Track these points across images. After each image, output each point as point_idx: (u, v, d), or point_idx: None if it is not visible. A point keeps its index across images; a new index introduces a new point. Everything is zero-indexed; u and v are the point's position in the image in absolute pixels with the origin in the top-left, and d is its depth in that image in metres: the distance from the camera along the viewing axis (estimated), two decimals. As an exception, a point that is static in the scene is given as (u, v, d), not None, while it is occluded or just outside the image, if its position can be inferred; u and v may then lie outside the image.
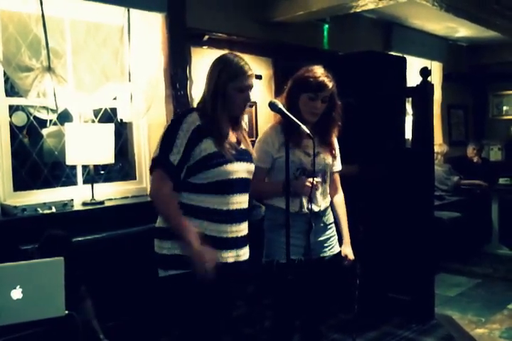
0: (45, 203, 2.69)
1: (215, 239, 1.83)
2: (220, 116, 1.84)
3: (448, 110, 6.16)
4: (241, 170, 1.87)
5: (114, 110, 3.18)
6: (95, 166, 3.02)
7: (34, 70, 2.62)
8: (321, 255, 2.19)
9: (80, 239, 2.62)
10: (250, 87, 1.88)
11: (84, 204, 2.92)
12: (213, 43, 3.47)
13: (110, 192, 3.15)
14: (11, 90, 2.78)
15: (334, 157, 2.25)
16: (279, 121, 2.14)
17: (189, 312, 1.85)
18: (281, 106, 1.96)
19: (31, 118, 2.95)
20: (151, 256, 1.88)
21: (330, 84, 2.10)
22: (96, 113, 3.14)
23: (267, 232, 2.19)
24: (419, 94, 3.41)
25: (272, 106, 1.96)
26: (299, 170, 2.12)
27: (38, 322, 1.93)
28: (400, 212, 3.38)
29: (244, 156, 1.91)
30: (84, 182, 3.06)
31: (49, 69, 2.66)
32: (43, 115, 3.00)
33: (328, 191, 2.25)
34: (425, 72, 3.33)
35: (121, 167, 3.42)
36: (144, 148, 3.34)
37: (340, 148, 2.30)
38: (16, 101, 2.80)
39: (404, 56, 4.18)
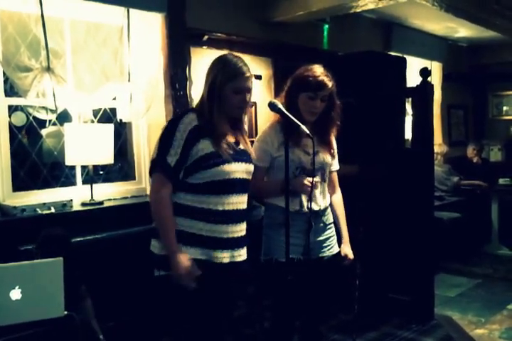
0: (44, 203, 2.68)
1: (210, 239, 1.83)
2: (217, 116, 1.84)
3: (448, 110, 6.16)
4: (239, 170, 1.87)
5: (113, 110, 3.18)
6: (94, 166, 3.02)
7: (33, 70, 2.62)
8: (320, 255, 2.19)
9: (79, 239, 2.61)
10: (247, 88, 1.87)
11: (84, 204, 2.91)
12: (213, 43, 3.47)
13: (109, 193, 3.15)
14: (11, 90, 2.77)
15: (333, 156, 2.25)
16: (278, 120, 2.14)
17: (183, 312, 1.86)
18: (280, 106, 1.95)
19: (30, 118, 2.94)
20: (150, 257, 1.88)
21: (329, 84, 2.10)
22: (95, 113, 3.13)
23: (266, 230, 2.19)
24: (419, 94, 3.40)
25: (272, 106, 1.96)
26: (299, 169, 2.12)
27: (37, 322, 1.93)
28: (399, 213, 3.38)
29: (242, 157, 1.91)
30: (84, 182, 3.06)
31: (48, 69, 2.66)
32: (42, 115, 3.00)
33: (327, 190, 2.25)
34: (425, 72, 3.33)
35: (121, 167, 3.41)
36: (144, 148, 3.34)
37: (340, 148, 2.30)
38: (15, 101, 2.79)
39: (404, 56, 4.18)
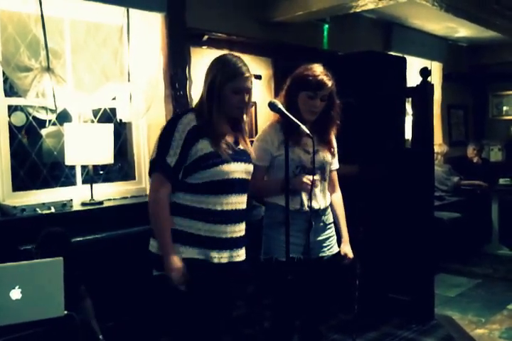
0: (44, 203, 2.68)
1: (209, 239, 1.83)
2: (216, 116, 1.83)
3: (448, 110, 6.15)
4: (238, 170, 1.87)
5: (113, 110, 3.18)
6: (94, 166, 3.02)
7: (33, 70, 2.62)
8: (320, 255, 2.19)
9: (79, 239, 2.61)
10: (246, 89, 1.86)
11: (84, 204, 2.91)
12: (213, 43, 3.47)
13: (109, 193, 3.15)
14: (10, 90, 2.77)
15: (333, 155, 2.25)
16: (277, 120, 2.14)
17: (182, 312, 1.86)
18: (280, 106, 1.95)
19: (30, 118, 2.94)
20: (148, 256, 1.89)
21: (329, 83, 2.10)
22: (95, 113, 3.13)
23: (266, 229, 2.18)
24: (419, 94, 3.40)
25: (272, 106, 1.96)
26: (299, 167, 2.12)
27: (37, 322, 1.93)
28: (399, 213, 3.38)
29: (242, 157, 1.91)
30: (84, 182, 3.06)
31: (48, 69, 2.66)
32: (42, 115, 3.00)
33: (327, 189, 2.25)
34: (425, 72, 3.33)
35: (121, 167, 3.41)
36: (144, 148, 3.34)
37: (340, 148, 2.30)
38: (15, 101, 2.79)
39: (404, 56, 4.17)
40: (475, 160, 5.70)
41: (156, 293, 1.88)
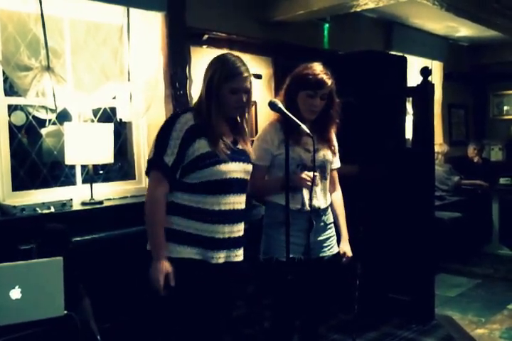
0: (44, 203, 2.68)
1: (207, 239, 1.82)
2: (214, 115, 1.83)
3: (448, 110, 6.15)
4: (237, 170, 1.86)
5: (113, 110, 3.17)
6: (94, 166, 3.01)
7: (33, 70, 2.61)
8: (321, 255, 2.19)
9: (78, 238, 2.61)
10: (244, 89, 1.85)
11: (83, 204, 2.91)
12: (213, 43, 3.46)
13: (109, 192, 3.14)
14: (10, 89, 2.77)
15: (334, 153, 2.25)
16: (277, 119, 2.13)
17: (181, 313, 1.86)
18: (281, 105, 1.95)
19: (30, 117, 2.94)
20: (147, 256, 1.88)
21: (329, 82, 2.10)
22: (95, 112, 3.13)
23: (266, 229, 2.18)
24: (419, 93, 3.40)
25: (272, 105, 1.95)
26: (299, 166, 2.11)
27: (37, 322, 1.93)
28: (400, 212, 3.37)
29: (240, 156, 1.90)
30: (83, 182, 3.05)
31: (48, 68, 2.65)
32: (42, 114, 2.99)
33: (328, 188, 2.25)
34: (426, 72, 3.32)
35: (121, 167, 3.41)
36: (144, 147, 3.33)
37: (340, 148, 2.30)
38: (14, 100, 2.79)
39: (405, 55, 4.17)
40: (475, 159, 5.70)
41: (155, 293, 1.87)
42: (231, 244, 1.88)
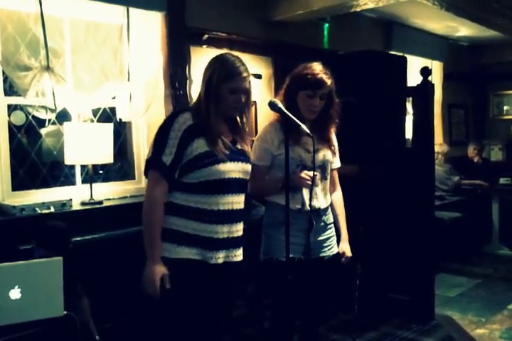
0: (43, 203, 2.67)
1: (205, 240, 1.82)
2: (213, 115, 1.82)
3: (448, 110, 6.15)
4: (235, 170, 1.86)
5: (113, 109, 3.17)
6: (94, 166, 3.01)
7: (33, 70, 2.61)
8: (321, 255, 2.18)
9: (78, 238, 2.60)
10: (243, 89, 1.84)
11: (83, 204, 2.90)
12: (213, 42, 3.46)
13: (109, 192, 3.14)
14: (10, 89, 2.77)
15: (334, 153, 2.25)
16: (277, 119, 2.13)
17: (180, 313, 1.85)
18: (281, 105, 1.95)
19: (30, 117, 2.94)
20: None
21: (328, 82, 2.09)
22: (95, 112, 3.13)
23: (266, 229, 2.18)
24: (419, 93, 3.40)
25: (272, 105, 1.95)
26: (300, 166, 2.11)
27: (37, 322, 1.92)
28: (400, 212, 3.37)
29: (239, 156, 1.89)
30: (83, 181, 3.05)
31: (48, 68, 2.65)
32: (41, 114, 2.99)
33: (328, 188, 2.24)
34: (426, 72, 3.32)
35: (120, 167, 3.41)
36: (143, 147, 3.33)
37: (340, 148, 2.30)
38: (14, 100, 2.78)
39: (405, 55, 4.17)
40: (475, 159, 5.70)
41: (149, 295, 1.87)
42: (230, 244, 1.88)
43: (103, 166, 3.22)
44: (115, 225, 2.82)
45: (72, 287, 2.17)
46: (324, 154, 2.19)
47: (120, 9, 3.04)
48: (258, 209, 2.80)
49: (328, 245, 2.22)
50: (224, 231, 1.85)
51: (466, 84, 6.44)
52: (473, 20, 4.39)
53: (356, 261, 2.36)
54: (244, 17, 3.71)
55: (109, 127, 2.93)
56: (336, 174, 2.33)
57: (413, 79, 4.20)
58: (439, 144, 5.45)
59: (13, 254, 2.34)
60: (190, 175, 1.81)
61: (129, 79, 3.08)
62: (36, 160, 2.98)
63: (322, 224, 2.19)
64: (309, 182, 2.03)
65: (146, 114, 3.14)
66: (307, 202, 2.10)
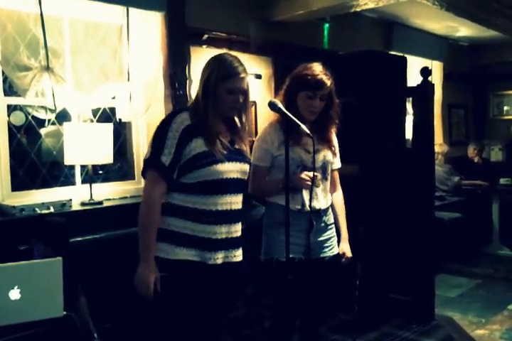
0: (43, 203, 2.67)
1: (203, 240, 1.81)
2: (211, 115, 1.81)
3: (448, 110, 6.14)
4: (233, 170, 1.85)
5: (112, 110, 3.17)
6: (94, 166, 3.00)
7: (32, 70, 2.61)
8: (321, 255, 2.18)
9: (78, 239, 2.60)
10: (241, 89, 1.83)
11: (83, 204, 2.90)
12: (213, 42, 3.46)
13: (109, 192, 3.14)
14: (10, 89, 2.76)
15: (334, 154, 2.24)
16: (277, 120, 2.13)
17: (179, 313, 1.85)
18: (280, 105, 1.95)
19: (29, 117, 2.93)
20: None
21: (328, 82, 2.09)
22: (94, 112, 3.12)
23: (267, 229, 2.18)
24: (419, 93, 3.40)
25: (272, 105, 1.95)
26: (300, 167, 2.11)
27: (36, 322, 1.92)
28: (400, 213, 3.37)
29: (237, 156, 1.88)
30: (83, 182, 3.05)
31: (47, 68, 2.65)
32: (41, 115, 2.99)
33: (328, 189, 2.24)
34: (426, 72, 3.32)
35: (120, 167, 3.41)
36: (143, 147, 3.33)
37: (340, 148, 2.29)
38: (14, 100, 2.78)
39: (405, 55, 4.17)
40: (475, 160, 5.69)
41: (154, 294, 1.87)
42: (229, 244, 1.87)
43: (103, 166, 3.22)
44: (115, 225, 2.81)
45: (71, 287, 2.17)
46: (324, 155, 2.18)
47: (120, 9, 3.04)
48: (258, 210, 2.80)
49: (329, 245, 2.21)
50: (222, 231, 1.84)
51: (466, 84, 6.44)
52: (473, 20, 4.39)
53: (356, 261, 2.35)
54: (244, 17, 3.70)
55: (109, 127, 2.93)
56: (336, 174, 2.33)
57: (413, 79, 4.20)
58: (439, 144, 5.44)
59: (13, 254, 2.34)
60: (189, 175, 1.80)
61: (128, 79, 3.07)
62: (36, 161, 2.97)
63: (322, 224, 2.18)
64: (309, 183, 2.02)
65: (146, 114, 3.14)
66: (307, 202, 2.09)
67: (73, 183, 3.05)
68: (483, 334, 3.19)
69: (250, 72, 3.50)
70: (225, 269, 1.86)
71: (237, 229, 1.91)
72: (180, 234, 1.81)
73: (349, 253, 2.27)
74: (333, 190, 2.31)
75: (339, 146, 2.29)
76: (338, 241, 2.27)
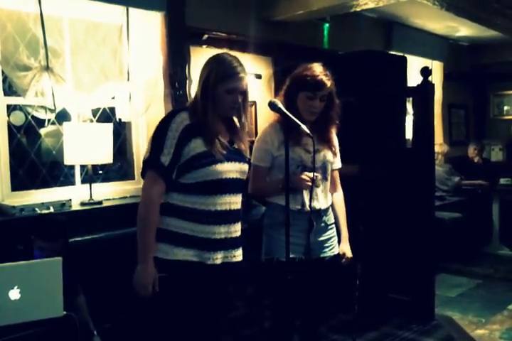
0: (43, 203, 2.67)
1: (203, 241, 1.80)
2: (210, 115, 1.81)
3: (449, 110, 6.14)
4: (233, 170, 1.85)
5: (112, 109, 3.17)
6: (94, 166, 3.00)
7: (32, 69, 2.61)
8: (321, 255, 2.18)
9: (78, 239, 2.60)
10: (240, 89, 1.83)
11: (83, 204, 2.90)
12: (213, 42, 3.46)
13: (108, 192, 3.14)
14: (9, 89, 2.76)
15: (334, 154, 2.24)
16: (277, 120, 2.13)
17: (178, 314, 1.85)
18: (281, 105, 1.94)
19: (29, 117, 2.93)
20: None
21: (328, 83, 2.09)
22: (94, 112, 3.12)
23: (267, 229, 2.18)
24: (419, 93, 3.40)
25: (272, 105, 1.94)
26: (300, 167, 2.11)
27: (36, 322, 1.92)
28: (400, 212, 3.37)
29: (236, 156, 1.88)
30: (83, 182, 3.05)
31: (47, 68, 2.65)
32: (41, 114, 2.99)
33: (328, 189, 2.24)
34: (426, 72, 3.32)
35: (120, 167, 3.40)
36: (143, 147, 3.32)
37: (340, 148, 2.29)
38: (14, 100, 2.78)
39: (405, 55, 4.16)
40: (476, 160, 5.69)
41: (154, 294, 1.87)
42: (228, 244, 1.86)
43: (103, 166, 3.22)
44: (115, 225, 2.81)
45: (71, 287, 2.17)
46: (324, 155, 2.18)
47: (120, 9, 3.04)
48: (258, 209, 2.80)
49: (329, 245, 2.21)
50: (222, 231, 1.84)
51: (466, 84, 6.44)
52: (474, 20, 4.39)
53: (356, 261, 2.35)
54: (244, 17, 3.70)
55: (109, 127, 2.93)
56: (336, 174, 2.33)
57: (413, 79, 4.20)
58: (439, 144, 5.44)
59: (13, 254, 2.34)
60: (188, 175, 1.79)
61: (128, 79, 3.07)
62: (36, 161, 2.97)
63: (323, 224, 2.18)
64: (309, 184, 2.02)
65: (146, 113, 3.14)
66: (307, 202, 2.09)
67: (73, 183, 3.05)
68: (483, 334, 3.19)
69: (250, 72, 3.51)
70: (225, 269, 1.86)
71: (236, 229, 1.90)
72: (179, 234, 1.80)
73: (349, 254, 2.27)
74: (333, 190, 2.31)
75: (339, 146, 2.29)
76: (339, 241, 2.27)
